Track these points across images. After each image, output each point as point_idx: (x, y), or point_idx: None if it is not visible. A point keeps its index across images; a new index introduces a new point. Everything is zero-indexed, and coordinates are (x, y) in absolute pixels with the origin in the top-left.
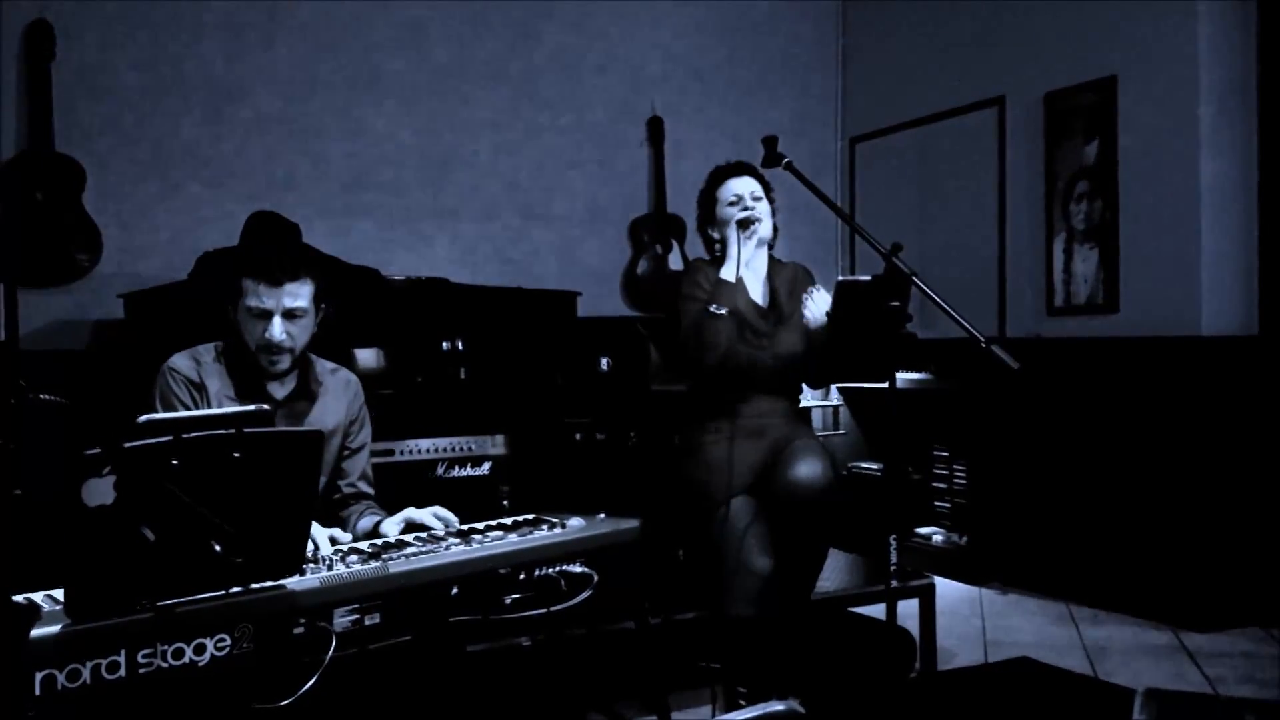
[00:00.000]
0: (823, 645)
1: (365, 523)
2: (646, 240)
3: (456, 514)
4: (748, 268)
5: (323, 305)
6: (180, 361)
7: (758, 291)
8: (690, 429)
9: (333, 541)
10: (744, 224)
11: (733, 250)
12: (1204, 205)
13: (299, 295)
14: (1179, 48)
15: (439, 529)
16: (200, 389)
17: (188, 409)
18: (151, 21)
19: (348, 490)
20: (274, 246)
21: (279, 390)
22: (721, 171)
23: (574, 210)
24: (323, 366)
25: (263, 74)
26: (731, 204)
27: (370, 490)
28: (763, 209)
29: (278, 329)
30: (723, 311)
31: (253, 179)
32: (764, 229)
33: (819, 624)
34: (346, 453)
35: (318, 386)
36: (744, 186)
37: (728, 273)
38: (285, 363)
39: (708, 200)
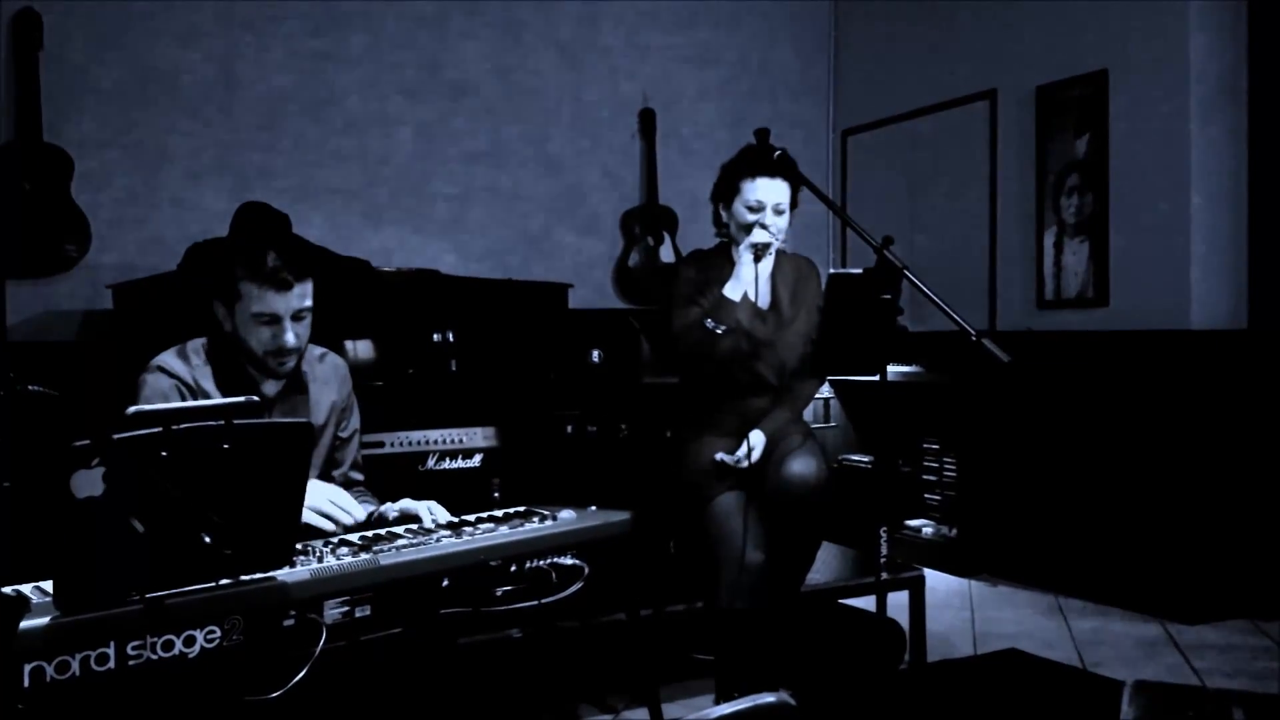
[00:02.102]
0: (813, 637)
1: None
2: (638, 232)
3: (447, 506)
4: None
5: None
6: (173, 363)
7: (759, 293)
8: (683, 422)
9: (334, 506)
10: (757, 251)
11: (741, 271)
12: (1194, 199)
13: (306, 296)
14: (1170, 41)
15: (428, 522)
16: (195, 392)
17: None
18: (138, 11)
19: (340, 480)
20: (273, 247)
21: (271, 388)
22: (756, 163)
23: (565, 202)
24: (312, 353)
25: (251, 64)
26: (752, 209)
27: (360, 477)
28: (782, 222)
29: (290, 335)
30: (720, 330)
31: (241, 169)
32: (776, 244)
33: (809, 616)
34: (338, 441)
35: (308, 376)
36: (770, 195)
37: (731, 291)
38: (293, 363)
39: (731, 182)
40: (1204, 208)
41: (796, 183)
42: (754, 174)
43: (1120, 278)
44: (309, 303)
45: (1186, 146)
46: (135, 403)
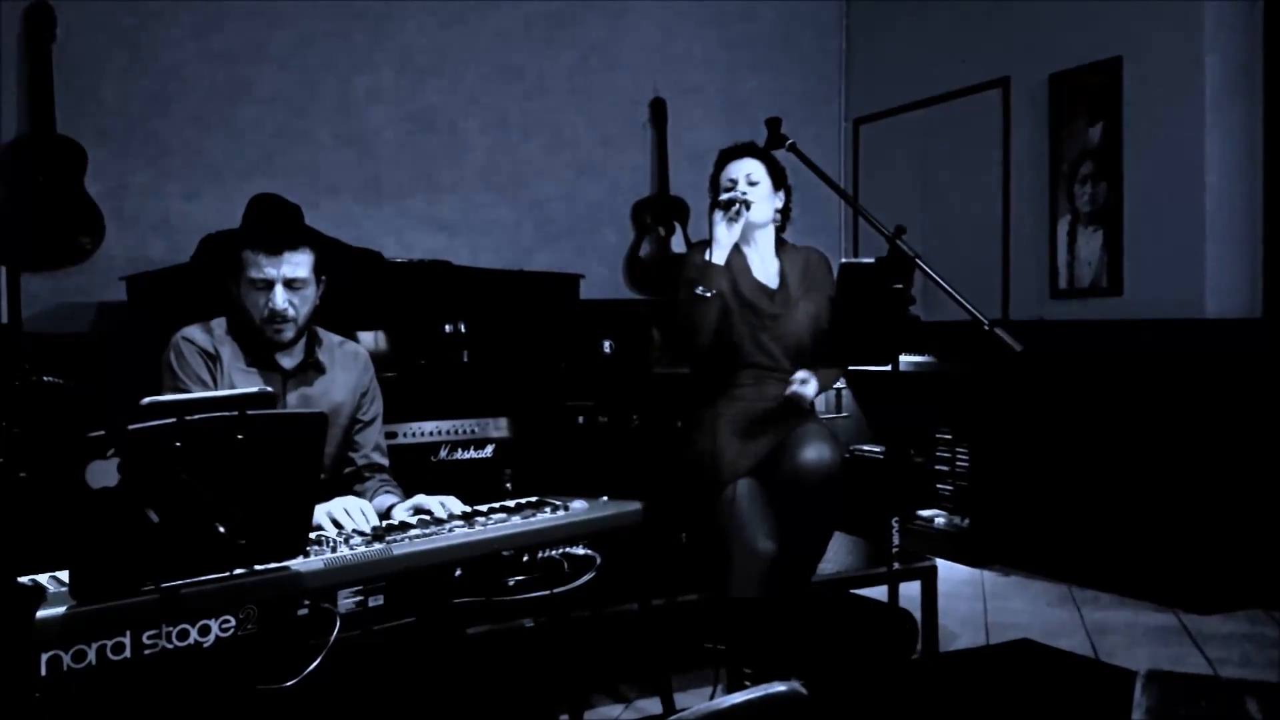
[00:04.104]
0: (825, 627)
1: (380, 502)
2: (649, 223)
3: (460, 497)
4: (750, 247)
5: (322, 277)
6: (194, 332)
7: (764, 273)
8: (694, 412)
9: (346, 515)
10: (724, 205)
11: (715, 233)
12: (1208, 187)
13: (299, 264)
14: (1184, 29)
15: (440, 514)
16: (215, 359)
17: (201, 379)
18: (151, 3)
19: (361, 462)
20: (269, 217)
21: (287, 361)
22: (724, 154)
23: (576, 193)
24: (330, 339)
25: (264, 55)
26: (727, 189)
27: (384, 461)
28: (758, 192)
29: (280, 298)
30: (709, 294)
31: (255, 161)
32: (755, 212)
33: (821, 606)
34: (358, 425)
35: (327, 358)
36: (740, 170)
37: (713, 255)
38: (289, 332)
39: (713, 180)
40: (1218, 196)
41: (772, 162)
42: (723, 163)
43: (1134, 267)
44: (303, 273)
45: (1201, 134)
46: (160, 370)
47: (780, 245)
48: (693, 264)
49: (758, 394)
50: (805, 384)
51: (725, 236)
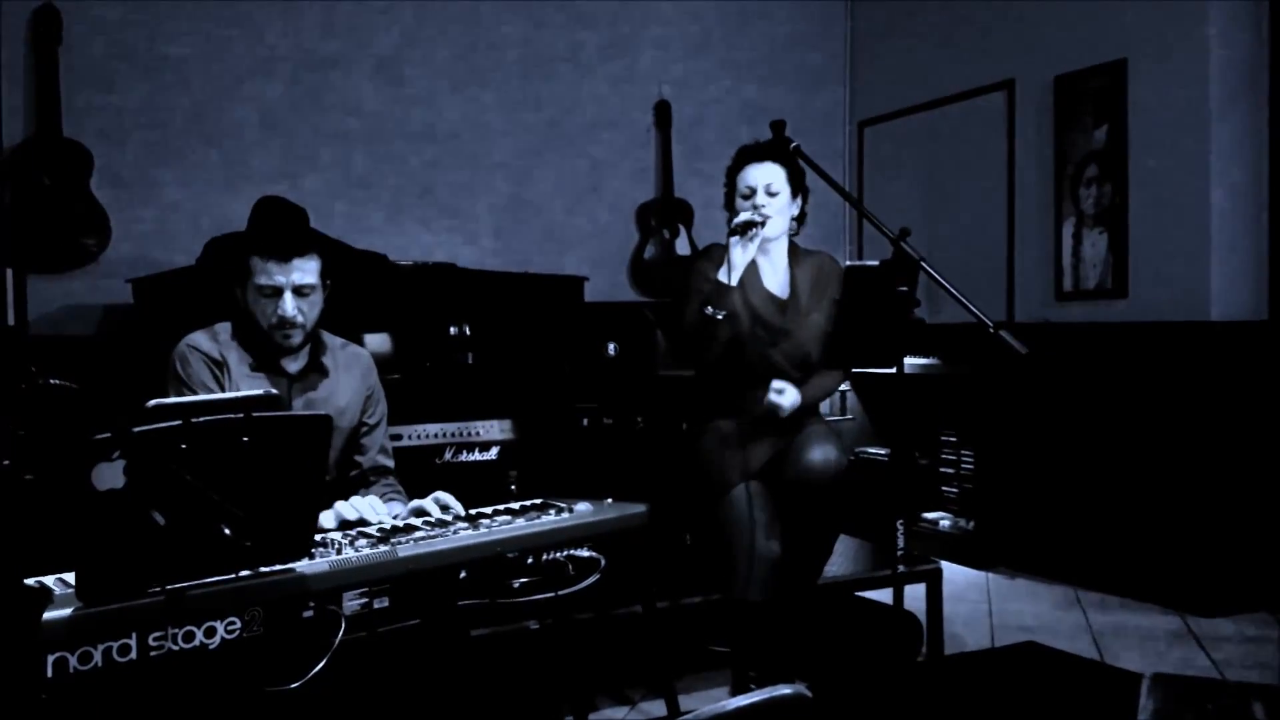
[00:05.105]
0: (830, 629)
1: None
2: (654, 225)
3: (464, 499)
4: (763, 257)
5: (327, 281)
6: (199, 339)
7: (776, 282)
8: (699, 414)
9: (356, 522)
10: (740, 230)
11: (730, 256)
12: (1214, 190)
13: (308, 271)
14: (1189, 30)
15: (441, 514)
16: (221, 366)
17: (208, 386)
18: (157, 7)
19: (367, 465)
20: (277, 223)
21: (292, 365)
22: (744, 154)
23: (581, 195)
24: (334, 342)
25: (269, 59)
26: (745, 196)
27: (389, 464)
28: (777, 204)
29: (289, 305)
30: (719, 316)
31: (260, 164)
32: (771, 227)
33: (826, 608)
34: (364, 429)
35: (330, 361)
36: (760, 178)
37: (725, 276)
38: (298, 338)
39: (730, 182)
40: (1224, 199)
41: (793, 167)
42: (743, 165)
43: (1139, 269)
44: (311, 279)
45: (1206, 137)
46: (166, 377)
47: (793, 251)
48: (704, 275)
49: (763, 403)
50: (781, 394)
51: (740, 259)
